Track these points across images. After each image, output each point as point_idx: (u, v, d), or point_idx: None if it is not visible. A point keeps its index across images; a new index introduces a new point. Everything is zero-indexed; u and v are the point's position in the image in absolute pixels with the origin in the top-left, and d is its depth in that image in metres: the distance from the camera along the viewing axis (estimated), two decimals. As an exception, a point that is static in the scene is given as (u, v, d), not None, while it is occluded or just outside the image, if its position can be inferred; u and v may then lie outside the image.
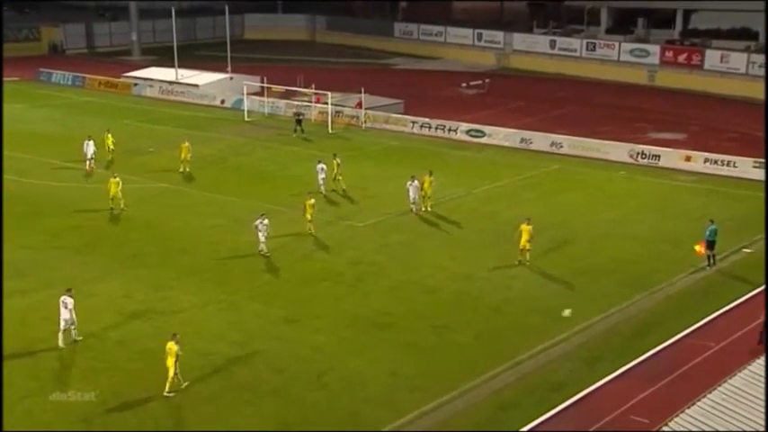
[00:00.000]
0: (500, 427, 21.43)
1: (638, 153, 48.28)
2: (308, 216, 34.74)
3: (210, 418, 21.80)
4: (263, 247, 32.70)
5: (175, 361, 22.85)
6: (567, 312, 27.57)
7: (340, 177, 41.32)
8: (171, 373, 22.78)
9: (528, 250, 32.20)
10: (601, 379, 23.75)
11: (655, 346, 25.57)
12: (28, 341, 25.71)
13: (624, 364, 24.52)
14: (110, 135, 46.86)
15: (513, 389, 23.61)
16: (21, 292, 28.98)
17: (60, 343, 25.42)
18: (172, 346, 22.91)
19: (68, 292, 25.76)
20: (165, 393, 22.73)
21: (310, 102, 59.13)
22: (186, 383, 23.11)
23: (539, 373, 24.54)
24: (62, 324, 25.47)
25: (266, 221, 32.62)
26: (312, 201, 34.97)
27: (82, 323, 26.30)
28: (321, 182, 40.55)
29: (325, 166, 40.85)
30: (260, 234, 32.59)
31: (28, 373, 23.99)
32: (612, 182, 44.68)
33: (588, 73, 76.46)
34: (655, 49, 74.42)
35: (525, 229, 32.11)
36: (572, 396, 22.79)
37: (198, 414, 22.05)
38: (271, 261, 32.50)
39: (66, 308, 25.35)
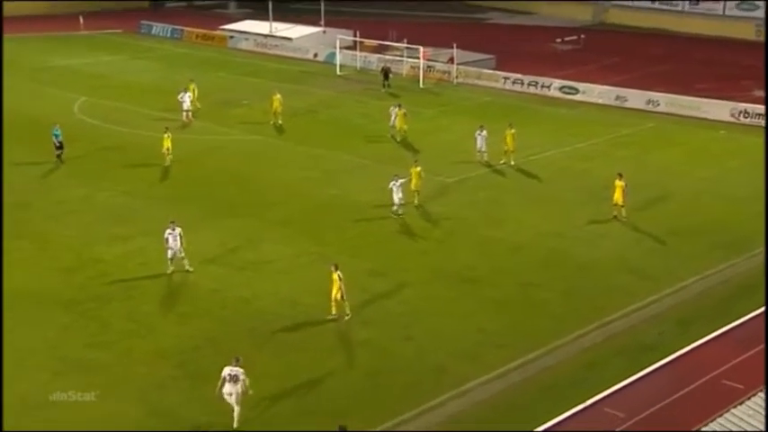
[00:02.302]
0: (587, 385, 21.26)
1: (740, 112, 46.53)
2: (413, 186, 32.96)
3: (300, 366, 22.29)
4: (398, 209, 32.09)
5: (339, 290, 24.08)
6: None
7: (405, 127, 42.05)
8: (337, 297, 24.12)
9: (622, 206, 31.61)
10: (693, 342, 23.27)
11: (751, 311, 24.84)
12: (126, 286, 26.73)
13: (718, 328, 23.96)
14: (193, 85, 47.31)
15: (601, 348, 23.36)
16: (122, 238, 30.07)
17: (168, 271, 27.00)
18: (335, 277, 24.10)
19: (173, 223, 27.00)
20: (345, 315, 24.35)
21: (402, 56, 58.85)
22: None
23: (628, 333, 24.19)
24: (169, 253, 26.96)
25: (400, 181, 31.93)
26: (419, 168, 33.09)
27: (177, 269, 27.26)
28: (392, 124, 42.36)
29: (398, 111, 42.13)
30: (394, 196, 31.83)
31: (126, 316, 24.97)
32: (711, 141, 43.26)
33: (690, 28, 73.77)
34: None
35: (618, 184, 31.53)
36: (662, 358, 22.43)
37: (288, 361, 22.57)
38: (360, 215, 32.77)
39: (173, 237, 26.83)
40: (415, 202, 33.06)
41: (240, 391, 19.57)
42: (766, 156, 37.61)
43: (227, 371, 19.67)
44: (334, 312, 24.54)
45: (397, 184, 31.86)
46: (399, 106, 42.81)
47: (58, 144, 38.25)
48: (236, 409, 19.63)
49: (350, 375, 22.00)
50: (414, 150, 40.73)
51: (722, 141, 43.21)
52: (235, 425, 19.66)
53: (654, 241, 30.43)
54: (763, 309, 24.76)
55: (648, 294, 26.36)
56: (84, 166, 38.34)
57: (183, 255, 27.24)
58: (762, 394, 18.96)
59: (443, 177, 36.61)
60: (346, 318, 24.56)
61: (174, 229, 27.05)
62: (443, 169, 37.51)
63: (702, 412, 19.52)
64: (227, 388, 19.57)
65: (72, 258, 28.73)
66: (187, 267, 27.37)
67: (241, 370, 19.68)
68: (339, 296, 24.36)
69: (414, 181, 32.82)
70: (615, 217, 31.70)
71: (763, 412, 18.47)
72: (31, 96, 51.23)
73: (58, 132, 38.27)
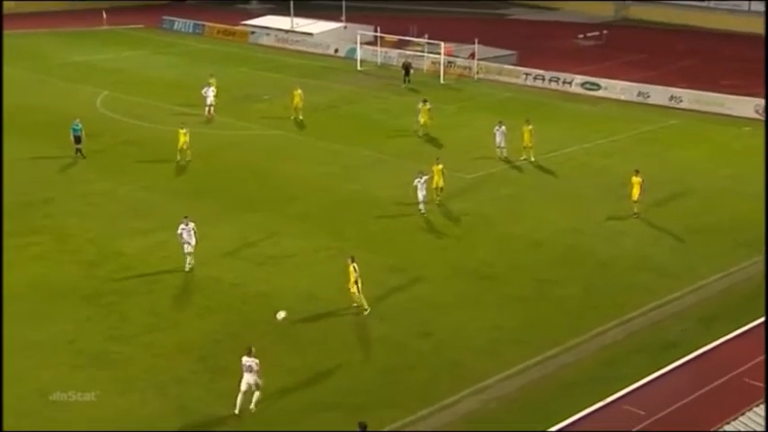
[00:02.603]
0: (607, 382, 21.15)
1: (764, 108, 45.99)
2: (435, 183, 32.50)
3: (318, 360, 22.31)
4: (422, 206, 31.90)
5: (354, 282, 24.20)
6: (281, 315, 22.94)
7: (429, 123, 42.12)
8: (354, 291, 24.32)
9: (636, 202, 31.42)
10: (715, 339, 23.09)
11: (774, 309, 24.60)
12: (147, 280, 26.88)
13: (741, 326, 23.75)
14: (213, 80, 47.18)
15: (621, 346, 23.22)
16: (144, 232, 30.22)
17: (186, 268, 26.99)
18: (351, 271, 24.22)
19: (186, 218, 26.99)
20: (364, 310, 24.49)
21: (423, 52, 58.76)
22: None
23: (649, 330, 24.03)
24: (186, 248, 26.89)
25: (425, 178, 31.77)
26: (441, 166, 32.63)
27: (198, 263, 27.38)
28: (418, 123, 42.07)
29: (421, 106, 42.12)
30: (419, 193, 31.60)
31: (147, 309, 25.10)
32: (735, 138, 42.86)
33: (715, 24, 72.96)
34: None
35: (636, 181, 31.33)
36: (684, 356, 22.28)
37: (305, 356, 22.60)
38: (379, 210, 32.76)
39: (187, 232, 26.76)
40: (437, 200, 32.83)
41: (253, 381, 19.89)
42: (766, 156, 37.18)
43: (243, 360, 19.98)
44: (354, 304, 24.63)
45: (422, 180, 31.74)
46: (425, 101, 42.72)
47: (75, 138, 38.24)
48: (256, 394, 19.99)
49: (367, 371, 22.00)
50: (434, 146, 40.67)
51: (746, 138, 42.78)
52: (252, 406, 19.93)
53: (675, 239, 30.20)
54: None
55: (670, 292, 26.17)
56: (106, 160, 38.58)
57: (192, 251, 27.04)
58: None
59: (463, 173, 36.49)
60: (365, 312, 24.57)
61: (187, 224, 27.01)
62: (463, 165, 37.38)
63: (724, 411, 19.36)
64: (245, 377, 19.90)
65: (94, 252, 28.92)
66: (188, 266, 27.10)
67: (255, 360, 19.84)
68: (355, 289, 24.40)
69: (436, 179, 32.60)
70: (636, 215, 31.47)
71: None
72: (55, 91, 51.60)
73: (78, 126, 38.29)
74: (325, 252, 28.93)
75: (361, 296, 24.58)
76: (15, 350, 22.53)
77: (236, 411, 19.96)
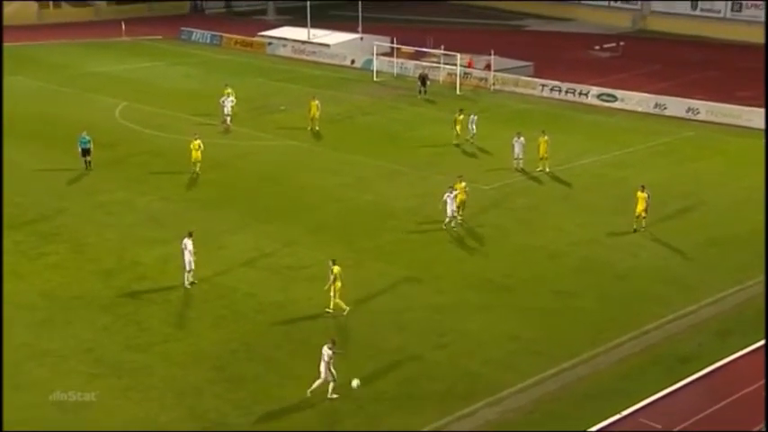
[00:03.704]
0: (623, 395, 21.06)
1: (765, 116, 45.67)
2: (459, 200, 31.77)
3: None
4: (451, 220, 31.63)
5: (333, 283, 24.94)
6: (355, 383, 21.09)
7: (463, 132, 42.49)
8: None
9: (644, 217, 31.28)
10: (732, 353, 22.97)
11: (792, 323, 24.44)
12: (165, 289, 27.02)
13: (758, 340, 23.59)
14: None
15: (638, 358, 23.13)
16: (161, 241, 30.38)
17: (186, 283, 26.90)
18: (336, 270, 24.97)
19: (190, 236, 26.86)
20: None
21: (439, 63, 58.88)
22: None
23: (665, 343, 23.93)
24: (187, 266, 26.81)
25: (455, 193, 31.47)
26: (463, 184, 32.04)
27: (214, 274, 27.49)
28: (471, 132, 42.56)
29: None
30: (448, 208, 31.39)
31: (164, 319, 25.24)
32: (752, 150, 42.55)
33: (732, 35, 72.67)
34: (811, 8, 69.90)
35: (641, 196, 31.19)
36: (700, 369, 22.16)
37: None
38: (395, 221, 32.80)
39: (186, 249, 26.57)
40: (459, 217, 32.15)
41: (324, 369, 20.91)
42: (766, 156, 36.94)
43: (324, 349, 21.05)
44: (329, 309, 25.14)
45: (452, 195, 31.53)
46: (461, 111, 43.14)
47: (83, 151, 37.87)
48: (321, 382, 21.02)
49: (383, 382, 21.99)
50: (451, 157, 40.64)
51: (763, 150, 42.50)
52: (309, 389, 20.94)
53: (692, 251, 30.07)
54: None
55: (686, 304, 26.05)
56: (125, 170, 38.82)
57: (191, 271, 26.87)
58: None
59: (480, 185, 36.48)
60: (344, 313, 25.08)
61: (189, 242, 26.69)
62: (480, 176, 37.37)
63: (741, 425, 19.26)
64: (321, 366, 20.98)
65: (112, 261, 29.10)
66: (188, 282, 26.98)
67: (329, 352, 20.79)
68: (333, 293, 24.95)
69: (459, 197, 31.96)
70: (635, 230, 31.30)
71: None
72: (74, 101, 52.03)
73: (87, 139, 37.97)
74: (340, 262, 28.91)
75: (336, 300, 25.06)
76: (30, 357, 22.71)
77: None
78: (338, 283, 25.07)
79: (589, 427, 19.70)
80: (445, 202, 31.50)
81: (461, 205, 32.18)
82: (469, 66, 58.19)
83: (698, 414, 20.32)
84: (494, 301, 26.41)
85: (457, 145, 42.22)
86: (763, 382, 21.38)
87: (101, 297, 26.46)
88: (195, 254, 26.78)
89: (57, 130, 44.16)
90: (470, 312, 25.64)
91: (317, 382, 21.02)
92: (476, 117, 42.99)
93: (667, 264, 29.13)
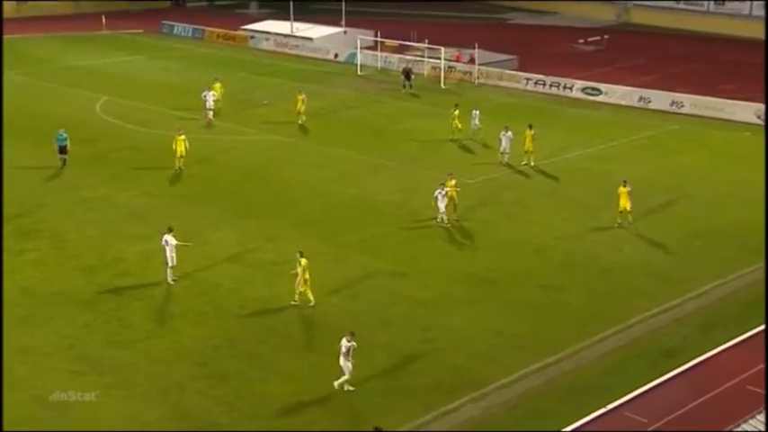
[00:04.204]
0: (608, 389, 21.05)
1: (764, 113, 45.91)
2: (449, 197, 31.56)
3: (318, 366, 22.18)
4: (442, 216, 31.47)
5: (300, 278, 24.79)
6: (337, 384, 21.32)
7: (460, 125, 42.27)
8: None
9: (629, 212, 31.26)
10: (716, 347, 23.01)
11: (775, 316, 24.51)
12: (148, 285, 26.78)
13: (742, 333, 23.65)
14: (218, 85, 47.20)
15: (623, 352, 23.13)
16: (143, 237, 30.08)
17: (169, 279, 26.70)
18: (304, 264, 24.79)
19: (170, 231, 26.62)
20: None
21: (423, 57, 58.72)
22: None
23: (650, 337, 23.94)
24: (169, 261, 26.58)
25: (446, 191, 31.25)
26: (454, 182, 31.76)
27: (196, 269, 27.29)
28: (475, 127, 42.19)
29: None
30: (440, 204, 31.20)
31: (146, 315, 25.01)
32: (736, 143, 42.79)
33: (715, 28, 73.01)
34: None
35: (623, 191, 31.15)
36: (685, 363, 22.19)
37: (305, 361, 22.52)
38: (379, 215, 32.67)
39: (168, 245, 26.32)
40: (447, 219, 31.72)
41: (343, 362, 20.87)
42: (766, 156, 37.10)
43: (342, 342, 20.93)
44: (296, 299, 25.14)
45: (443, 192, 31.42)
46: (456, 106, 42.72)
47: (60, 149, 37.29)
48: (346, 375, 20.94)
49: (368, 377, 21.87)
50: (435, 151, 40.57)
51: (747, 143, 42.70)
52: (336, 383, 20.95)
53: (676, 245, 30.11)
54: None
55: (671, 298, 26.08)
56: (106, 165, 38.47)
57: (173, 265, 26.72)
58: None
59: (464, 179, 36.35)
60: (310, 305, 25.04)
61: (169, 237, 26.49)
62: (464, 170, 37.27)
63: (726, 418, 19.29)
64: (341, 360, 20.86)
65: (93, 257, 28.82)
66: (171, 278, 26.84)
67: (347, 345, 20.76)
68: (302, 285, 24.89)
69: (449, 194, 31.56)
70: (620, 224, 31.27)
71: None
72: (54, 96, 51.55)
73: (64, 136, 37.43)
74: (324, 257, 28.76)
75: (303, 291, 25.02)
76: (11, 355, 22.44)
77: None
78: (306, 275, 24.84)
79: (574, 422, 19.66)
80: (436, 199, 31.37)
81: (451, 201, 31.73)
82: (458, 60, 58.06)
83: (683, 407, 20.33)
84: (479, 296, 26.34)
85: (453, 140, 41.84)
86: (746, 375, 21.44)
87: (82, 293, 26.20)
88: (178, 248, 26.51)
89: (35, 125, 43.65)
90: (456, 307, 25.56)
91: (343, 378, 20.93)
92: (478, 112, 42.43)
93: (651, 257, 29.16)
